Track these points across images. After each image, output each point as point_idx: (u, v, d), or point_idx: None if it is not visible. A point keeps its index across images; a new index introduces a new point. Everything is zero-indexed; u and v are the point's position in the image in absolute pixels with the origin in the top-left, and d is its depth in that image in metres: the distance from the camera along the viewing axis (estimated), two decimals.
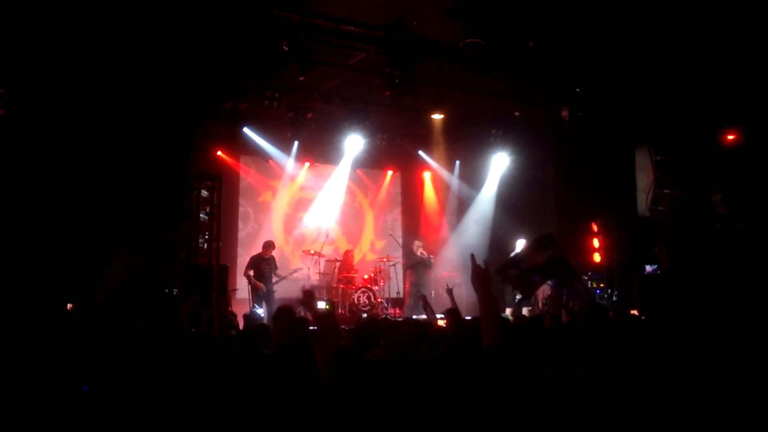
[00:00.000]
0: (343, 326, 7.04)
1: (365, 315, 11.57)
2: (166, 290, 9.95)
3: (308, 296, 4.34)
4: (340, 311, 12.33)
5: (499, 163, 15.46)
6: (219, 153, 13.17)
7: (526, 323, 6.06)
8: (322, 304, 9.02)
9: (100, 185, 10.01)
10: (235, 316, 8.38)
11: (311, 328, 4.80)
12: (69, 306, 8.51)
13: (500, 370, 2.93)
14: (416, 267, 13.06)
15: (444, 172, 15.54)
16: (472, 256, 3.51)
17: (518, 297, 12.73)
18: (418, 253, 13.10)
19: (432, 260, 13.23)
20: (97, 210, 9.94)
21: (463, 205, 15.45)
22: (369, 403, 3.00)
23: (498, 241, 14.74)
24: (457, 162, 15.39)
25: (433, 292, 12.92)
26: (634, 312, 6.13)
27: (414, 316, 10.76)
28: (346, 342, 4.95)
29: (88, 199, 9.91)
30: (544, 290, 13.04)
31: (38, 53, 9.20)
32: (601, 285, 12.60)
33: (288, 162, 14.26)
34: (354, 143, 14.17)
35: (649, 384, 3.12)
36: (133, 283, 2.14)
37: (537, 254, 5.13)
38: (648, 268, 10.15)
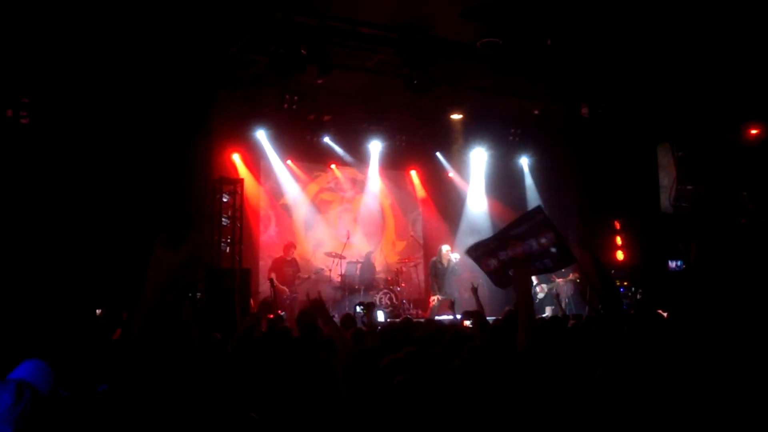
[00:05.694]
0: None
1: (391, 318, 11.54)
2: (190, 294, 10.04)
3: (316, 305, 4.38)
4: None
5: (520, 162, 15.42)
6: (239, 157, 13.24)
7: (547, 324, 6.03)
8: (359, 309, 9.05)
9: (122, 190, 10.13)
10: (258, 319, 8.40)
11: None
12: (98, 311, 8.66)
13: (527, 373, 2.93)
14: (441, 274, 12.99)
15: (464, 172, 15.49)
16: (518, 263, 3.54)
17: (539, 296, 12.67)
18: (447, 258, 12.99)
19: (458, 266, 13.13)
20: (121, 216, 10.06)
21: (483, 205, 15.38)
22: (385, 405, 3.02)
23: None
24: (477, 162, 15.33)
25: (456, 293, 12.86)
26: (660, 311, 6.07)
27: (437, 317, 10.76)
28: (373, 344, 4.95)
29: (111, 205, 10.03)
30: (568, 289, 12.98)
31: (62, 64, 9.35)
32: (625, 283, 12.49)
33: (308, 164, 14.32)
34: (373, 145, 14.21)
35: (669, 383, 3.10)
36: (177, 277, 2.21)
37: (518, 243, 4.55)
38: (671, 264, 10.04)
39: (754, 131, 11.03)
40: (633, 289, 12.22)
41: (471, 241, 14.68)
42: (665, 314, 6.10)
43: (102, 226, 9.90)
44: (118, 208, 10.07)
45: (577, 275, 12.75)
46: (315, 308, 4.40)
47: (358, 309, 9.15)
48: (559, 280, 12.75)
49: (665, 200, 11.60)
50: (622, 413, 2.85)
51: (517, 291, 3.34)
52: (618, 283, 12.43)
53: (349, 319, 7.52)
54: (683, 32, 9.20)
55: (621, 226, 13.02)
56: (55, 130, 9.79)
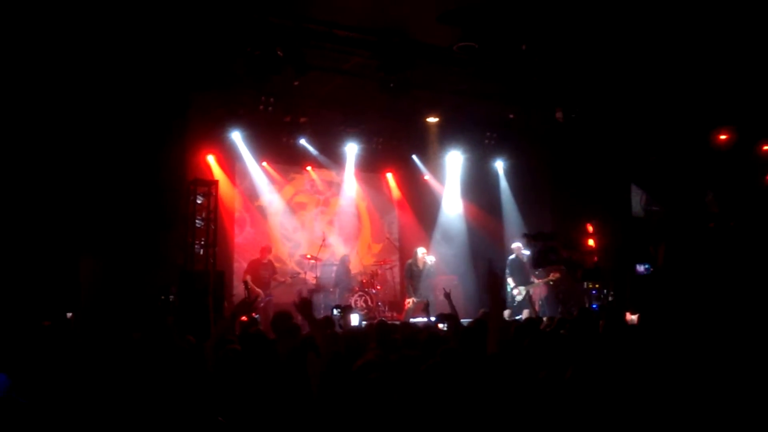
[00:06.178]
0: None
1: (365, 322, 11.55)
2: (162, 297, 9.96)
3: (304, 304, 4.40)
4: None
5: (495, 166, 15.53)
6: (214, 159, 13.16)
7: (524, 326, 6.08)
8: (336, 312, 9.13)
9: (96, 191, 10.03)
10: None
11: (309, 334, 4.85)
12: (69, 315, 8.56)
13: (498, 375, 2.97)
14: (416, 276, 13.05)
15: (440, 175, 15.56)
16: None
17: (518, 299, 12.76)
18: (422, 261, 13.07)
19: (433, 269, 13.23)
20: (94, 217, 9.95)
21: (459, 208, 15.47)
22: (359, 405, 3.04)
23: (494, 243, 14.78)
24: (453, 165, 15.41)
25: (431, 295, 12.91)
26: (629, 313, 6.16)
27: (411, 320, 10.80)
28: (338, 347, 4.97)
29: (84, 206, 9.91)
30: (541, 292, 13.10)
31: (36, 64, 9.21)
32: (597, 285, 12.62)
33: (284, 166, 14.29)
34: (350, 147, 14.22)
35: (642, 385, 3.15)
36: (99, 284, 2.36)
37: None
38: (639, 267, 10.17)
39: (723, 136, 11.25)
40: (605, 291, 12.35)
41: (446, 244, 14.75)
42: (635, 317, 6.19)
43: (74, 228, 9.78)
44: (91, 209, 9.95)
45: (551, 278, 12.87)
46: (302, 307, 4.42)
47: (335, 312, 9.16)
48: (538, 281, 12.87)
49: (637, 204, 11.77)
50: (592, 413, 2.90)
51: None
52: (590, 286, 12.56)
53: (328, 321, 7.53)
54: (655, 39, 9.35)
55: (594, 229, 13.15)
56: (25, 131, 9.65)
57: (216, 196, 11.77)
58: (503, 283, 11.95)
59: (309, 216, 14.64)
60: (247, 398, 3.87)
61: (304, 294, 4.78)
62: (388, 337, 5.48)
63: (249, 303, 6.78)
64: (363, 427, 3.07)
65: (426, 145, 14.43)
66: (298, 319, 6.38)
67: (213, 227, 11.55)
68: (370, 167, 15.07)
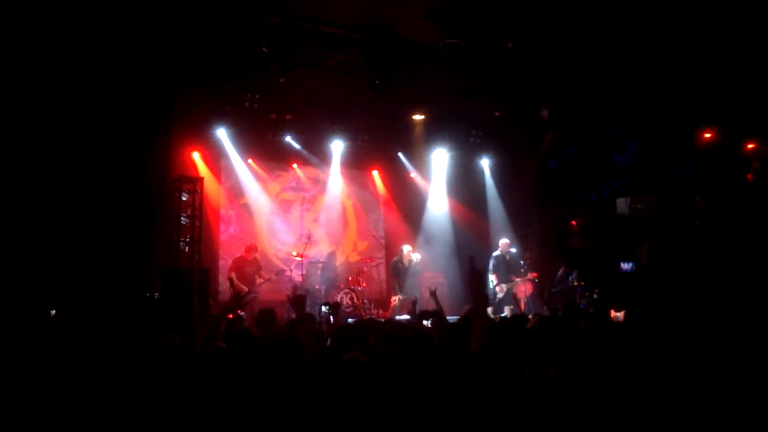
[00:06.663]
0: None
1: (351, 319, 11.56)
2: (147, 294, 9.89)
3: (298, 299, 4.45)
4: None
5: (481, 163, 15.55)
6: (199, 156, 13.09)
7: (509, 323, 6.10)
8: (324, 309, 9.13)
9: (79, 189, 9.93)
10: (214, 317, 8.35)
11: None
12: (52, 312, 8.48)
13: (483, 372, 2.97)
14: (402, 273, 13.06)
15: (425, 173, 15.56)
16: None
17: (499, 296, 12.80)
18: (408, 258, 13.08)
19: (419, 266, 13.25)
20: (78, 214, 9.85)
21: (444, 205, 15.48)
22: (346, 399, 3.04)
23: (481, 240, 14.82)
24: (439, 162, 15.42)
25: (417, 293, 12.92)
26: (613, 311, 6.20)
27: (397, 317, 10.81)
28: (324, 343, 4.97)
29: (67, 203, 9.82)
30: (526, 289, 13.14)
31: (21, 61, 9.11)
32: (582, 283, 12.68)
33: (269, 163, 14.24)
34: (335, 144, 14.20)
35: (627, 382, 3.16)
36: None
37: None
38: (624, 266, 10.23)
39: (707, 135, 11.34)
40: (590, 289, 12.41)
41: (432, 241, 14.76)
42: (620, 314, 6.23)
43: (58, 225, 9.69)
44: (75, 206, 9.87)
45: (535, 276, 12.92)
46: (296, 303, 4.54)
47: (323, 309, 9.16)
48: (518, 280, 12.92)
49: (621, 202, 11.83)
50: (576, 410, 2.90)
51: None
52: (576, 283, 12.63)
53: (310, 318, 7.52)
54: (640, 38, 9.40)
55: (578, 226, 13.21)
56: (8, 127, 9.55)
57: (201, 194, 11.72)
58: (485, 280, 12.02)
59: (295, 213, 14.60)
60: (233, 395, 3.85)
61: (300, 292, 4.96)
62: (369, 335, 5.49)
63: (241, 298, 6.77)
64: (349, 424, 3.07)
65: (412, 143, 14.44)
66: (283, 315, 6.37)
67: (198, 224, 11.50)
68: (355, 164, 15.05)
